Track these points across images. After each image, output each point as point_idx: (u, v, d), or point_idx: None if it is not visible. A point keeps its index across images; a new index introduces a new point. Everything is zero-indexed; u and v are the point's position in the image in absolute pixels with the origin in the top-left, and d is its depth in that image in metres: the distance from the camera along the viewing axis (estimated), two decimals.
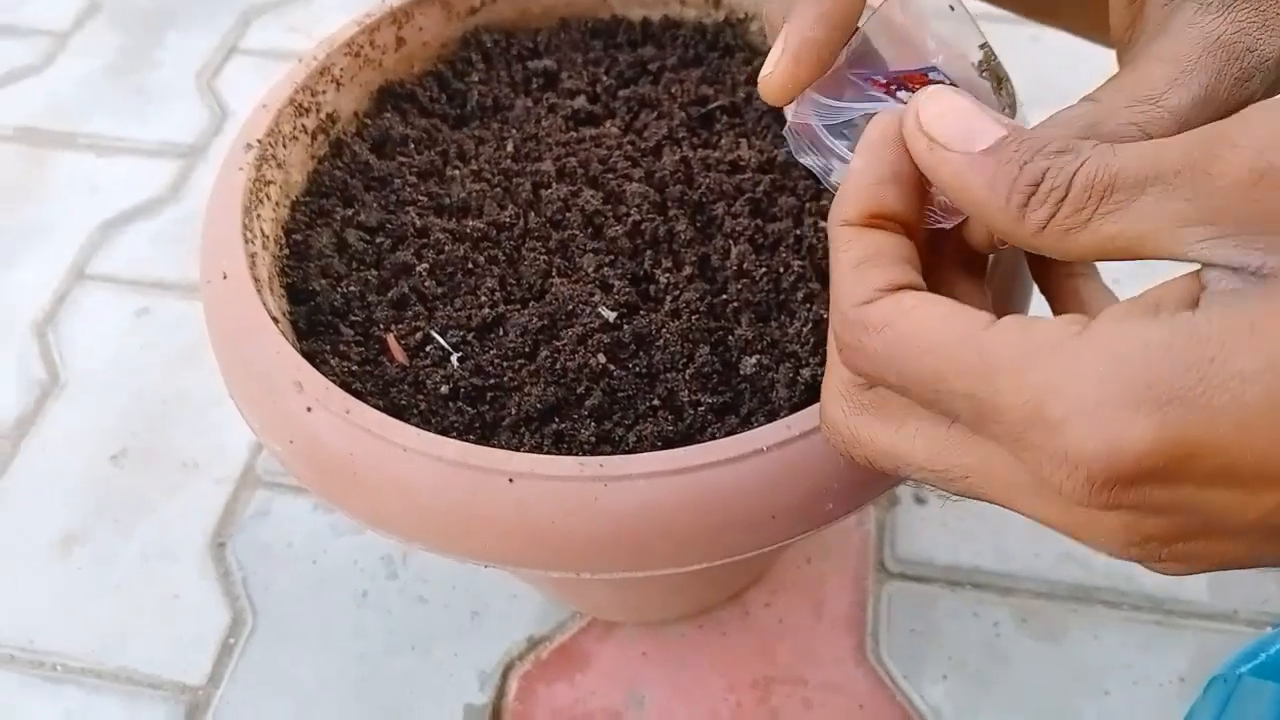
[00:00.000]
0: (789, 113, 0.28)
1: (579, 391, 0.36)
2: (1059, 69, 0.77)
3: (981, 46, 0.28)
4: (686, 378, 0.36)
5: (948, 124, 0.23)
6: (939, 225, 0.27)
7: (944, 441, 0.23)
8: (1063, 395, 0.19)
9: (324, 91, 0.44)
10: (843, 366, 0.25)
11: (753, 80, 0.47)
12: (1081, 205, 0.21)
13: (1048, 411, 0.20)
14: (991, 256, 0.31)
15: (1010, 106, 0.29)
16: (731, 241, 0.40)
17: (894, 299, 0.23)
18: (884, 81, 0.27)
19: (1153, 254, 0.21)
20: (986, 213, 0.22)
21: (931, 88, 0.24)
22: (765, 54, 0.49)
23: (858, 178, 0.25)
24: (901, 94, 0.26)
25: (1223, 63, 0.24)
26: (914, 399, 0.23)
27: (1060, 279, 0.28)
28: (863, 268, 0.24)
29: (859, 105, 0.26)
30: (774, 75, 0.27)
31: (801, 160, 0.28)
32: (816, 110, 0.27)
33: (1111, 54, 0.29)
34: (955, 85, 0.27)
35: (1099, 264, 0.26)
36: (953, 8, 0.28)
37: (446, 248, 0.40)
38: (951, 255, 0.28)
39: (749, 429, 0.33)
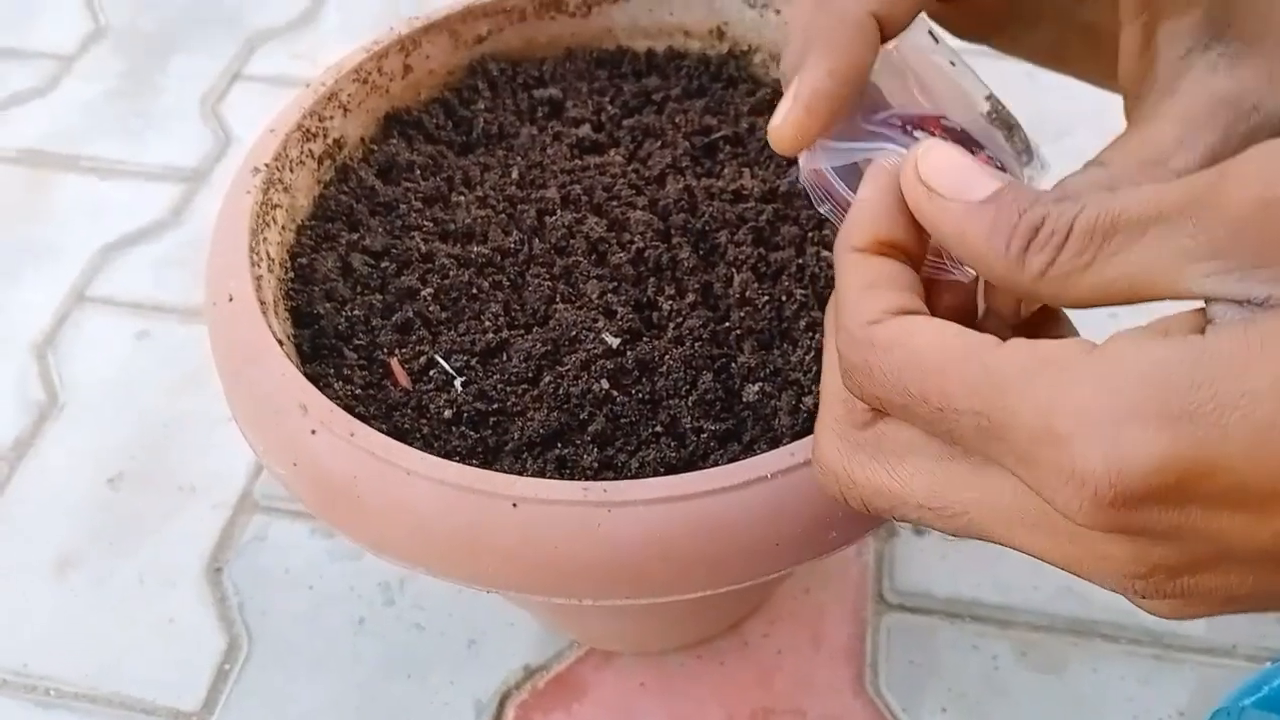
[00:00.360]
0: (802, 161, 0.27)
1: (582, 417, 0.36)
2: (1056, 103, 0.78)
3: (988, 98, 0.28)
4: (689, 404, 0.36)
5: (945, 175, 0.23)
6: (951, 277, 0.26)
7: (943, 478, 0.23)
8: (1071, 411, 0.19)
9: (331, 117, 0.45)
10: (837, 405, 0.25)
11: (756, 111, 0.47)
12: (1083, 249, 0.21)
13: (1055, 427, 0.19)
14: (982, 313, 0.31)
15: (1025, 152, 0.29)
16: (734, 269, 0.40)
17: (903, 320, 0.23)
18: (898, 124, 0.27)
19: (1155, 294, 0.21)
20: (986, 261, 0.22)
21: (929, 140, 0.24)
22: (768, 85, 0.49)
23: (866, 205, 0.25)
24: (917, 134, 0.26)
25: (1229, 121, 0.25)
26: (916, 421, 0.23)
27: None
28: (872, 290, 0.24)
29: (871, 145, 0.26)
30: (785, 125, 0.27)
31: (821, 210, 0.28)
32: (828, 155, 0.27)
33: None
34: (967, 133, 0.27)
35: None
36: (954, 63, 0.28)
37: (451, 273, 0.40)
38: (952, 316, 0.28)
39: (752, 456, 0.33)
